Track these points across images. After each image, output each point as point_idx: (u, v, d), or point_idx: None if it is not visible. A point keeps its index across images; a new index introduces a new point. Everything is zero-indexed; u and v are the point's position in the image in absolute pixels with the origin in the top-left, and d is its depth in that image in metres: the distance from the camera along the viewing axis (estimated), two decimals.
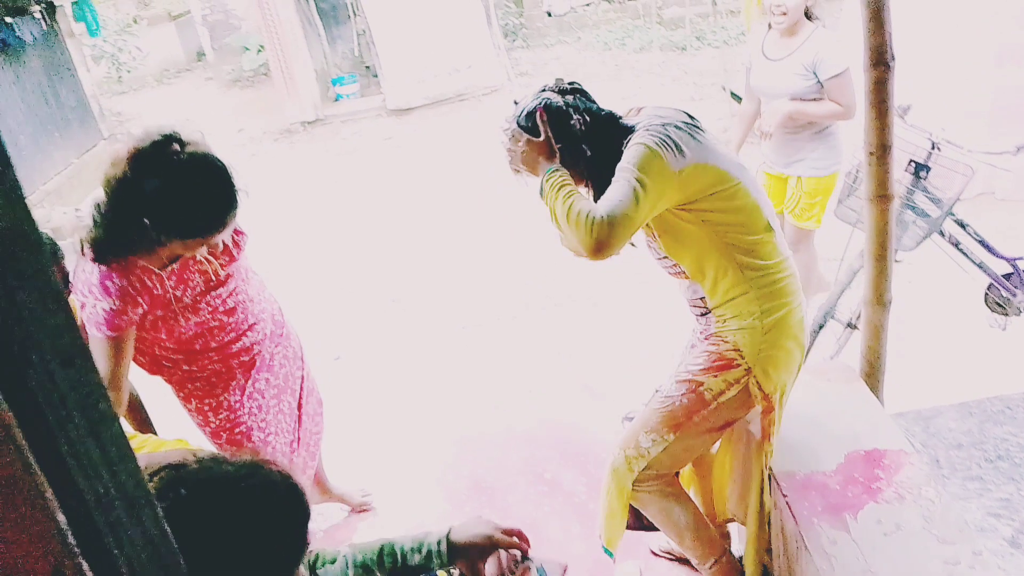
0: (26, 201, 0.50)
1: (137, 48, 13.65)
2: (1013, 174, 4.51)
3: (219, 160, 1.96)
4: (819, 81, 3.14)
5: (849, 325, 3.17)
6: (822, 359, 3.16)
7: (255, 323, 2.38)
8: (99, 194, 1.97)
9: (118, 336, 2.02)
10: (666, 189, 1.72)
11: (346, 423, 3.62)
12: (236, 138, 10.19)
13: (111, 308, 1.98)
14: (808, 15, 3.18)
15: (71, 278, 2.05)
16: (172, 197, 1.87)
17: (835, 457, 1.88)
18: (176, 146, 1.90)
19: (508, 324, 4.56)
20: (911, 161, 3.01)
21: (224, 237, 2.01)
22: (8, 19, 7.50)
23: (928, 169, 2.99)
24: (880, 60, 1.86)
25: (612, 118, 1.94)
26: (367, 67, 11.06)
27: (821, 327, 3.15)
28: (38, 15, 8.19)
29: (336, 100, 10.65)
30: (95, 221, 1.95)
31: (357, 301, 5.10)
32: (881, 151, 1.95)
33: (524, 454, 3.35)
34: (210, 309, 2.23)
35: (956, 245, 3.13)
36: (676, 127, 1.79)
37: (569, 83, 2.01)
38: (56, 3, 8.89)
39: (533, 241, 5.67)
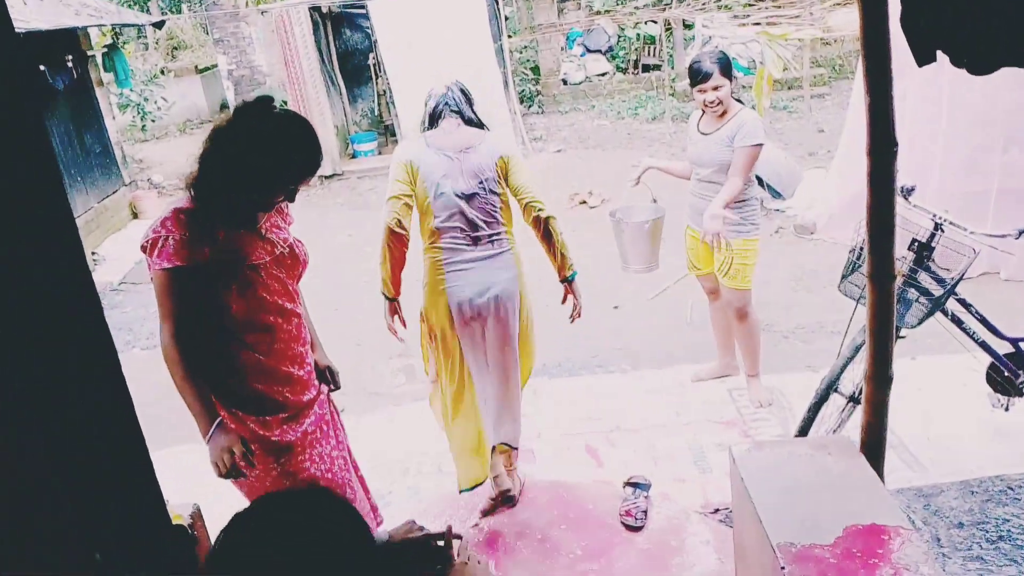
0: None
1: (163, 98, 13.99)
2: (1016, 256, 4.57)
3: (306, 120, 2.29)
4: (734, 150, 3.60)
5: (852, 399, 3.19)
6: (824, 433, 3.18)
7: (309, 358, 2.49)
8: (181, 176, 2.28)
9: (183, 268, 2.13)
10: None
11: None
12: None
13: (180, 238, 2.13)
14: (738, 99, 3.73)
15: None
16: (272, 141, 2.15)
17: (834, 531, 1.89)
18: (273, 103, 2.22)
19: None
20: (914, 240, 3.07)
21: (303, 188, 2.26)
22: (41, 67, 7.75)
23: (932, 249, 3.05)
24: (883, 145, 1.94)
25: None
26: (386, 126, 11.32)
27: (824, 400, 3.17)
28: (71, 64, 8.46)
29: (354, 157, 10.88)
30: (197, 165, 2.20)
31: (361, 352, 5.14)
32: (882, 232, 2.01)
33: (524, 516, 3.34)
34: (274, 287, 2.33)
35: (959, 324, 3.16)
36: None
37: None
38: (88, 53, 9.19)
39: (547, 301, 5.74)
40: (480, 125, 3.18)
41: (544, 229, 3.09)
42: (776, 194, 6.77)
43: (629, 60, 12.65)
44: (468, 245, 3.06)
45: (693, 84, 3.69)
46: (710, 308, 4.23)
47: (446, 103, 3.15)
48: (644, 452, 3.75)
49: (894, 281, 2.04)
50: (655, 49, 12.31)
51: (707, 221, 3.55)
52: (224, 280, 2.25)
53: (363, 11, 10.00)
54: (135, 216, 9.79)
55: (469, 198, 3.01)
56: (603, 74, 12.44)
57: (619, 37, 12.59)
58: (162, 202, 10.43)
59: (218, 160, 2.18)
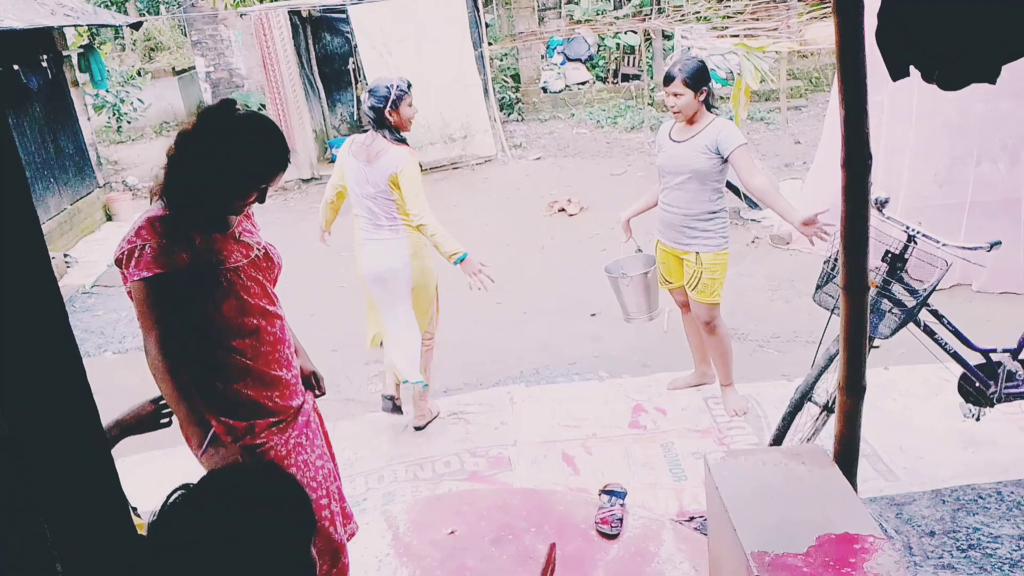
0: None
1: (139, 100, 13.86)
2: (988, 268, 4.64)
3: (271, 120, 2.34)
4: (723, 158, 3.65)
5: (826, 408, 3.22)
6: (798, 442, 3.20)
7: (295, 362, 2.49)
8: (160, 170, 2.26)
9: (162, 276, 2.11)
10: None
11: None
12: None
13: (157, 245, 2.12)
14: (709, 106, 3.73)
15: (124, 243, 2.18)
16: (236, 143, 2.16)
17: (807, 540, 1.91)
18: (237, 107, 2.25)
19: (496, 390, 4.58)
20: (888, 252, 3.11)
21: (272, 188, 2.27)
22: (15, 66, 7.64)
23: (905, 261, 3.09)
24: (857, 158, 1.96)
25: None
26: (364, 131, 11.28)
27: (798, 409, 3.19)
28: (45, 64, 8.34)
29: (332, 160, 10.82)
30: (164, 171, 2.22)
31: (337, 358, 5.10)
32: (856, 243, 2.03)
33: (499, 522, 3.33)
34: (254, 289, 2.32)
35: (931, 335, 3.20)
36: None
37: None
38: (64, 53, 9.07)
39: (519, 307, 5.74)
40: (394, 132, 3.75)
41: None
42: (752, 204, 6.82)
43: (609, 69, 12.70)
44: (372, 228, 3.85)
45: (663, 85, 3.78)
46: (683, 319, 4.25)
47: (370, 115, 3.76)
48: (620, 460, 3.76)
49: (868, 292, 2.06)
50: (635, 59, 12.38)
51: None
52: (205, 286, 2.23)
53: (343, 16, 9.97)
54: (109, 218, 9.67)
55: (372, 197, 3.77)
56: (583, 83, 12.49)
57: (599, 46, 12.65)
58: (136, 204, 10.31)
59: (186, 164, 2.18)
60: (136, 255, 2.12)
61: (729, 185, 4.64)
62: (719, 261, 3.81)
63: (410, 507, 3.51)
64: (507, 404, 4.39)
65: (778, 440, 3.21)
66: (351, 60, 10.72)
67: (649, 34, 11.54)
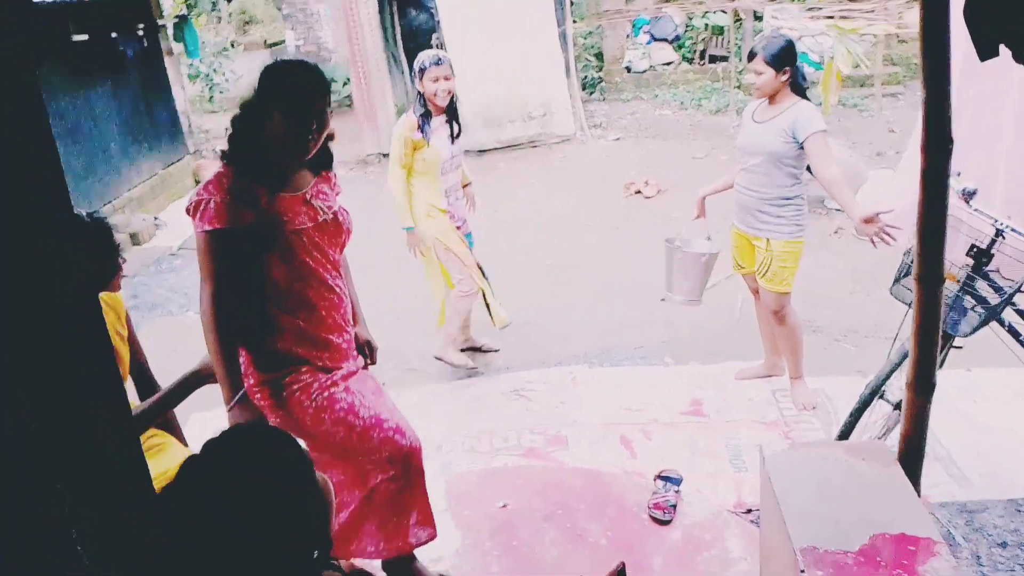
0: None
1: (231, 71, 14.26)
2: None
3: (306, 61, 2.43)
4: (799, 143, 3.51)
5: (898, 406, 3.08)
6: (866, 439, 3.08)
7: (349, 328, 2.54)
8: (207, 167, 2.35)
9: (224, 231, 2.18)
10: None
11: None
12: None
13: (222, 200, 2.19)
14: (796, 88, 3.60)
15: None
16: (269, 80, 2.26)
17: (860, 538, 1.84)
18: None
19: (559, 369, 4.57)
20: (973, 246, 2.94)
21: (319, 125, 2.31)
22: (113, 34, 7.96)
23: (991, 256, 2.92)
24: (937, 142, 1.85)
25: None
26: None
27: (867, 405, 3.07)
28: (141, 33, 8.67)
29: None
30: (232, 128, 2.33)
31: (400, 326, 5.17)
32: (932, 232, 1.93)
33: (555, 499, 3.33)
34: (316, 254, 2.36)
35: (1017, 336, 3.03)
36: None
37: None
38: (159, 23, 9.41)
39: (590, 288, 5.70)
40: (423, 103, 4.11)
41: None
42: None
43: (696, 50, 12.40)
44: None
45: (747, 61, 3.69)
46: (755, 307, 4.14)
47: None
48: (680, 447, 3.70)
49: (942, 284, 1.96)
50: (723, 40, 12.04)
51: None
52: (266, 245, 2.29)
53: None
54: (198, 183, 10.02)
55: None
56: (668, 63, 12.24)
57: (687, 26, 12.36)
58: None
59: (241, 120, 2.30)
60: (202, 208, 2.20)
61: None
62: (791, 250, 3.69)
63: (464, 478, 3.54)
64: (569, 384, 4.38)
65: (844, 436, 3.10)
66: (434, 36, 10.75)
67: (739, 14, 11.19)
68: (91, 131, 8.02)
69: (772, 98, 3.63)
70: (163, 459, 2.34)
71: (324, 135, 2.38)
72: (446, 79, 4.07)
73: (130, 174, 8.67)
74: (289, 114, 2.26)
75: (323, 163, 2.52)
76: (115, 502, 0.76)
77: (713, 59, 12.19)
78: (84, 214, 2.26)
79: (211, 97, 14.63)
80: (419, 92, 4.11)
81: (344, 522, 2.57)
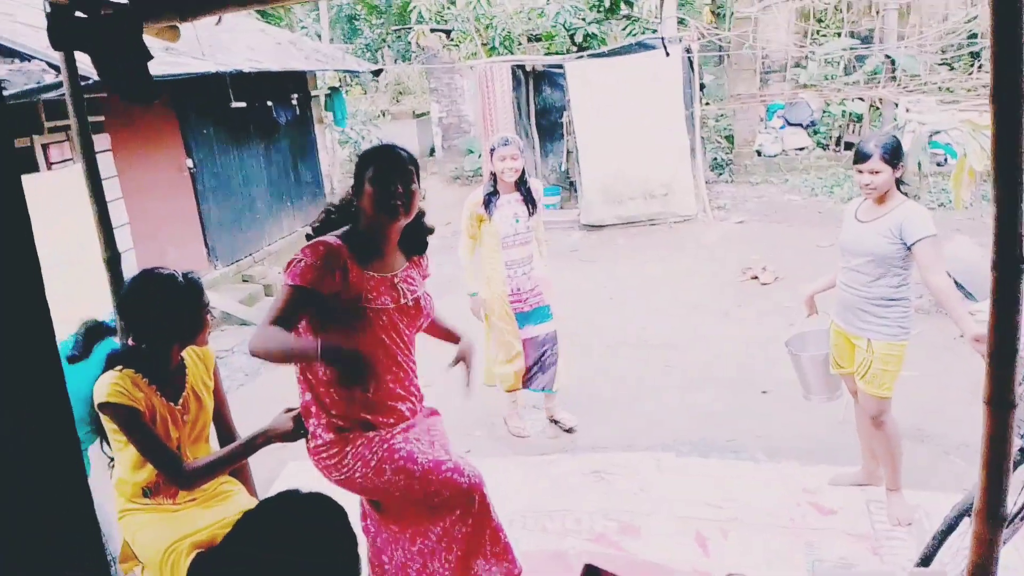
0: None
1: (377, 139, 15.20)
2: None
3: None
4: (907, 246, 3.37)
5: None
6: (950, 566, 2.84)
7: (417, 395, 2.65)
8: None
9: (301, 287, 2.33)
10: None
11: None
12: (442, 230, 10.96)
13: (309, 263, 2.34)
14: (900, 187, 3.49)
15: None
16: (369, 155, 2.51)
17: None
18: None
19: (644, 454, 4.49)
20: None
21: (403, 194, 2.45)
22: (269, 103, 8.71)
23: None
24: (1007, 259, 1.77)
25: None
26: (571, 182, 11.59)
27: (953, 529, 2.84)
28: (295, 102, 9.44)
29: None
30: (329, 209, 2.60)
31: (492, 396, 5.24)
32: (1002, 353, 1.82)
33: None
34: (392, 333, 2.48)
35: None
36: None
37: None
38: (312, 93, 10.21)
39: (688, 372, 5.59)
40: (492, 179, 4.51)
41: None
42: (967, 295, 6.18)
43: (831, 136, 12.13)
44: None
45: (854, 162, 3.57)
46: (855, 410, 3.94)
47: None
48: (757, 551, 3.53)
49: (1013, 409, 1.83)
50: (860, 128, 11.72)
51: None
52: (346, 316, 2.41)
53: (563, 71, 10.37)
54: None
55: None
56: (801, 148, 12.01)
57: (824, 112, 12.13)
58: None
59: (340, 201, 2.58)
60: (294, 264, 2.37)
61: None
62: (893, 353, 3.51)
63: (528, 557, 3.52)
64: (653, 471, 4.29)
65: (926, 560, 2.87)
66: (565, 113, 11.09)
67: (876, 103, 10.88)
68: (241, 188, 8.75)
69: (881, 197, 3.53)
70: (228, 506, 2.49)
71: (413, 208, 2.52)
72: (512, 159, 4.36)
73: (272, 229, 9.35)
74: (376, 181, 2.43)
75: (416, 248, 2.68)
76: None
77: (848, 146, 11.87)
78: (179, 274, 2.47)
79: None
80: (491, 171, 4.42)
81: None
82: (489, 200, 4.39)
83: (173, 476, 2.33)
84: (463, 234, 4.53)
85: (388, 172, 2.45)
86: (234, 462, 2.47)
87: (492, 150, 4.40)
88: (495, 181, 4.41)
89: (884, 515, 3.72)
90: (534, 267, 4.62)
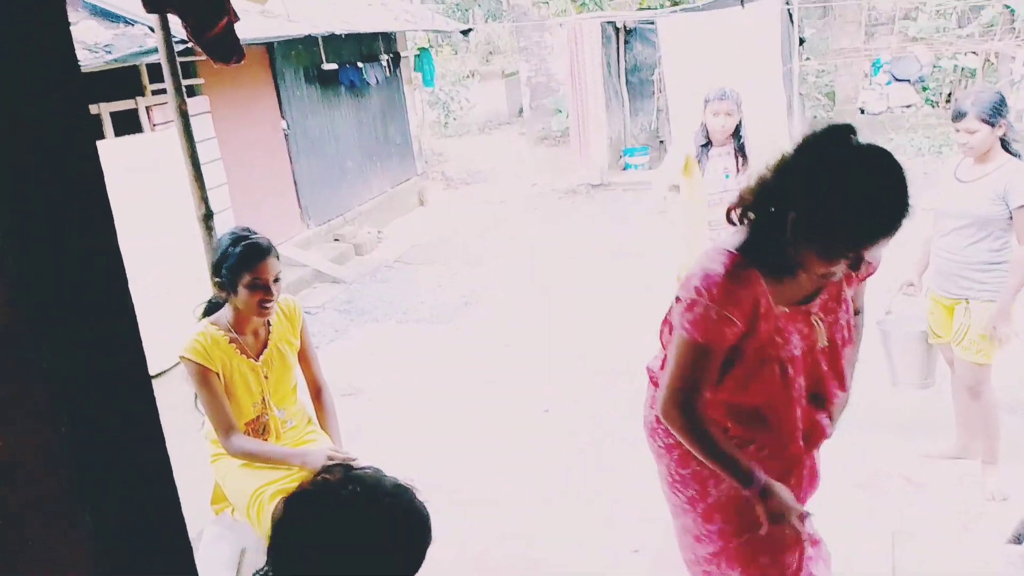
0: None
1: (466, 99, 15.24)
2: None
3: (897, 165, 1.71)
4: (1009, 209, 3.17)
5: None
6: None
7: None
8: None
9: (701, 345, 1.79)
10: None
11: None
12: (528, 191, 10.99)
13: (708, 310, 1.76)
14: (1007, 147, 3.26)
15: None
16: (844, 185, 1.66)
17: None
18: (853, 136, 1.74)
19: None
20: None
21: (875, 255, 1.77)
22: (360, 64, 8.84)
23: None
24: None
25: None
26: (661, 141, 11.36)
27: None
28: (384, 63, 9.55)
29: (625, 169, 11.06)
30: (752, 197, 1.82)
31: (579, 367, 5.25)
32: None
33: None
34: (795, 385, 1.87)
35: None
36: None
37: None
38: (402, 54, 10.30)
39: None
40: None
41: None
42: None
43: (941, 93, 11.43)
44: None
45: (952, 120, 3.39)
46: (951, 380, 3.77)
47: None
48: (843, 521, 3.44)
49: None
50: (972, 83, 10.99)
51: (999, 325, 3.24)
52: (743, 357, 1.85)
53: (654, 26, 10.11)
54: (421, 203, 10.82)
55: None
56: (908, 106, 11.38)
57: (934, 67, 11.43)
58: (448, 194, 11.40)
59: (779, 198, 1.75)
60: (692, 308, 1.79)
61: None
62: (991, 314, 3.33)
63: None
64: None
65: (1020, 538, 2.75)
66: (656, 71, 10.83)
67: (991, 58, 10.17)
68: (332, 148, 8.96)
69: (982, 156, 3.33)
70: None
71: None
72: (727, 115, 4.14)
73: (362, 190, 9.56)
74: (835, 238, 1.69)
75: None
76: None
77: None
78: (260, 236, 2.55)
79: (446, 123, 15.72)
80: (703, 122, 4.24)
81: None
82: (700, 153, 4.16)
83: (224, 440, 2.48)
84: (662, 185, 4.32)
85: (876, 233, 1.70)
86: (273, 461, 2.54)
87: (706, 101, 4.18)
88: (707, 132, 4.19)
89: (977, 489, 3.57)
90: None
